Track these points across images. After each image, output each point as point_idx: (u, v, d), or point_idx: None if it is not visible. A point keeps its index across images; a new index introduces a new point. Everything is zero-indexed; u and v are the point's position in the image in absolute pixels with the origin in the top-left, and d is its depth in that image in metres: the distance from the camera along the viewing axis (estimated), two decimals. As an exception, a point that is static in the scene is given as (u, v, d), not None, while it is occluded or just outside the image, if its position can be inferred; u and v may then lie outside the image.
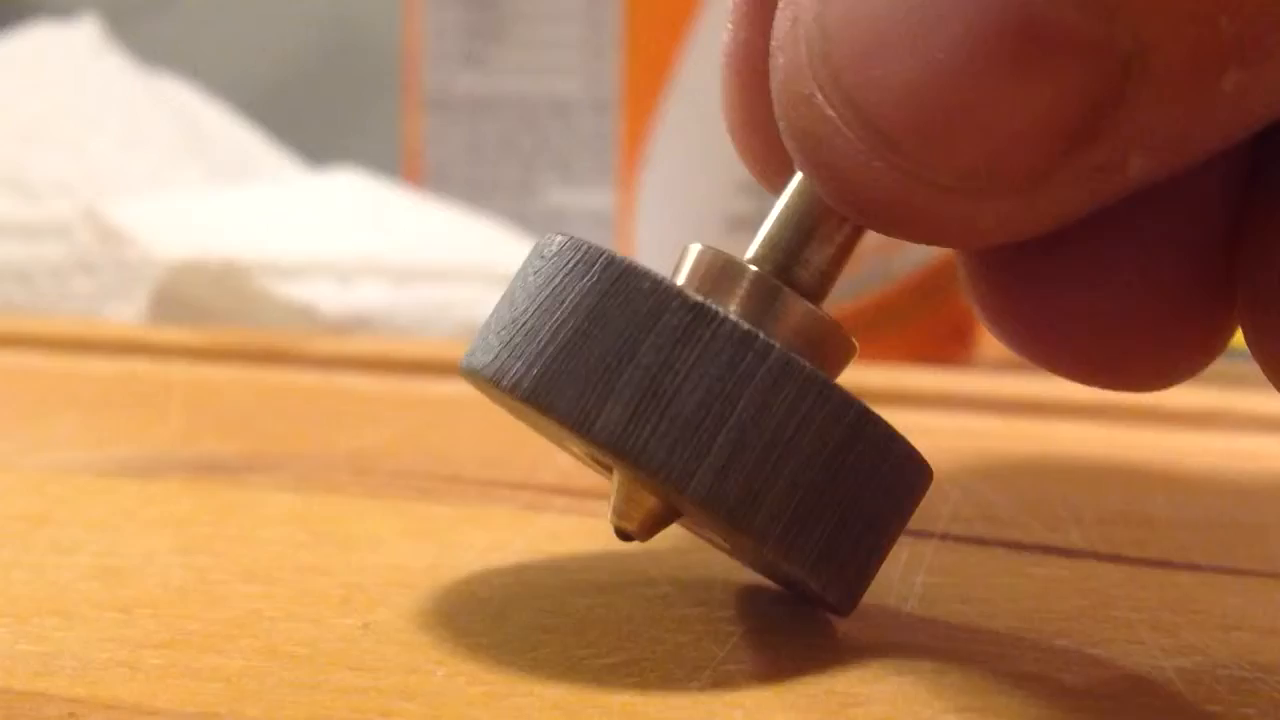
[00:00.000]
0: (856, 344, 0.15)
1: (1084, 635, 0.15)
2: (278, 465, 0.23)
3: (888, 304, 0.44)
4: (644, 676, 0.14)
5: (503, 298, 0.15)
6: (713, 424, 0.13)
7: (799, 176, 0.15)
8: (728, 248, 0.15)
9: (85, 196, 0.45)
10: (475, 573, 0.17)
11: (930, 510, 0.20)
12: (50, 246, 0.45)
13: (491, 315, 0.15)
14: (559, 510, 0.20)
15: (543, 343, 0.14)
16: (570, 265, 0.14)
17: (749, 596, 0.16)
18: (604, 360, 0.13)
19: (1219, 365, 0.35)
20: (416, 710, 0.13)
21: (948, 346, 0.42)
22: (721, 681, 0.14)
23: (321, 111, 0.98)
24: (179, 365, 0.34)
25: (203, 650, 0.14)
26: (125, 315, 0.41)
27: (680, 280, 0.15)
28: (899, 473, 0.14)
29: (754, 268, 0.15)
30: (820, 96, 0.12)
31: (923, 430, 0.26)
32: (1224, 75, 0.10)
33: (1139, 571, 0.18)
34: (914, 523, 0.19)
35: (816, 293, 0.15)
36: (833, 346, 0.15)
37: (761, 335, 0.13)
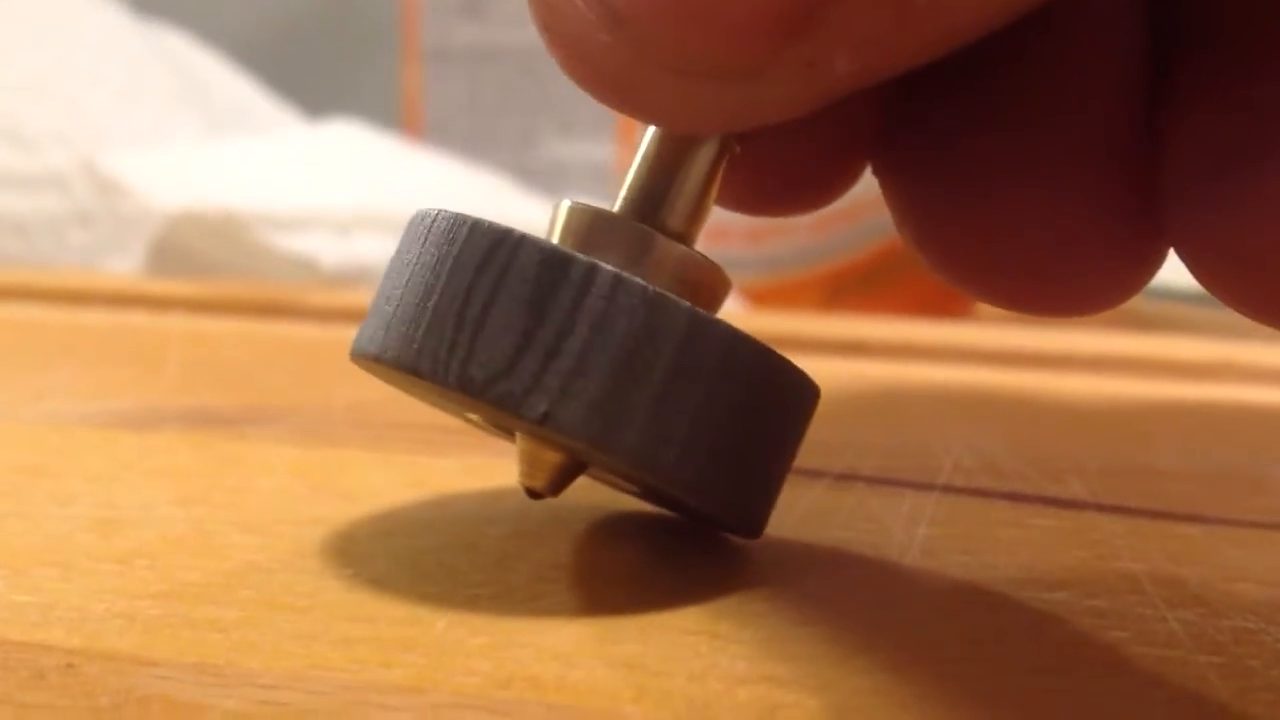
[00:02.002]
0: (730, 281, 0.15)
1: (1086, 586, 0.15)
2: (276, 417, 0.22)
3: (889, 257, 0.43)
4: (645, 628, 0.14)
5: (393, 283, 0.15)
6: (605, 373, 0.13)
7: (646, 140, 0.15)
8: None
9: (83, 148, 0.45)
10: (475, 525, 0.17)
11: (932, 462, 0.20)
12: (47, 198, 0.44)
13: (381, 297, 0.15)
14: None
15: (420, 314, 0.14)
16: (443, 239, 0.14)
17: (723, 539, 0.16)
18: (506, 324, 0.14)
19: (1220, 316, 0.35)
20: (417, 661, 0.13)
21: (949, 299, 0.42)
22: (719, 628, 0.14)
23: (320, 63, 0.97)
24: (177, 317, 0.34)
25: (201, 601, 0.14)
26: (123, 267, 0.41)
27: (555, 238, 0.15)
28: (790, 396, 0.15)
29: (621, 220, 0.15)
30: None
31: (924, 383, 0.26)
32: None
33: (1141, 523, 0.18)
34: (915, 474, 0.19)
35: (686, 233, 0.15)
36: (709, 285, 0.15)
37: (638, 280, 0.13)
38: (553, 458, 0.15)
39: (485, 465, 0.20)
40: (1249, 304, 0.14)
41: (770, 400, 0.14)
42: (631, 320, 0.13)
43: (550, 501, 0.16)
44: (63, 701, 0.12)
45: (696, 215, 0.15)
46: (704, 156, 0.15)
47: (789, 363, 0.14)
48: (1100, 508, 0.18)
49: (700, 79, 0.12)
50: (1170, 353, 0.28)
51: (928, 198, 0.15)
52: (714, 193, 0.15)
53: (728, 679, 0.13)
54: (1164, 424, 0.24)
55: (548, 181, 0.54)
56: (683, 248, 0.15)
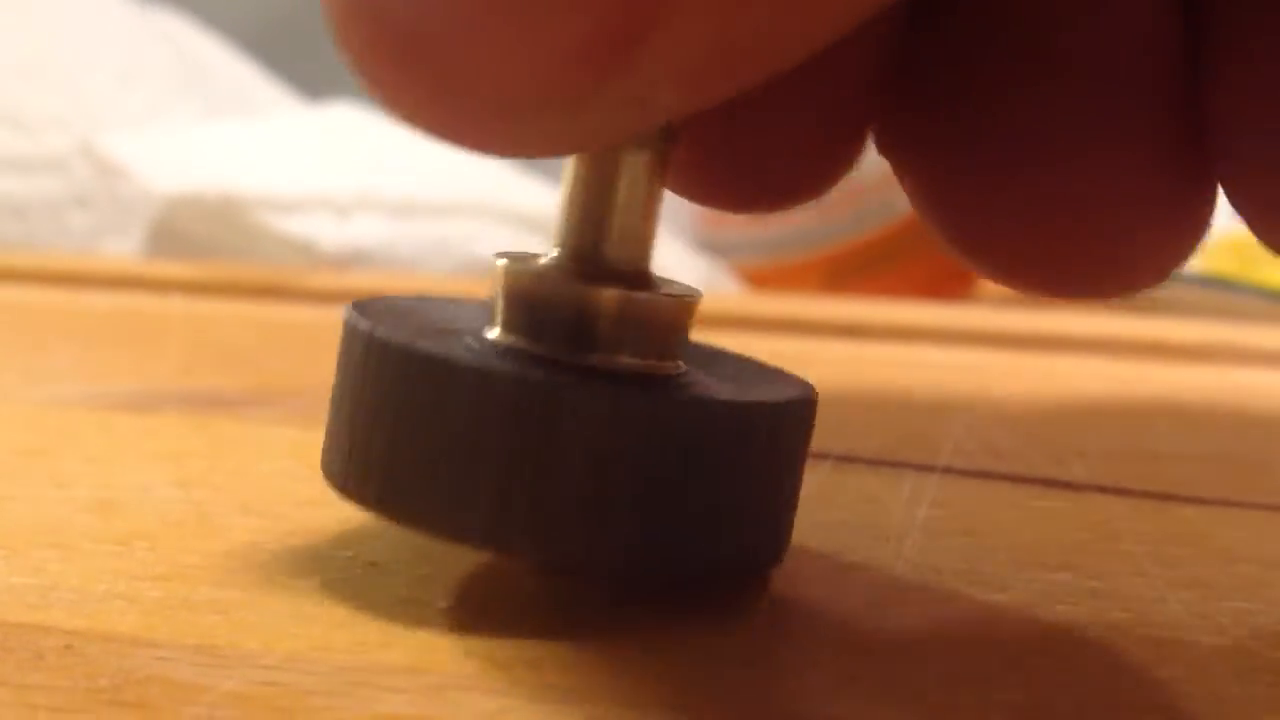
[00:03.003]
0: (694, 293, 0.14)
1: (1087, 568, 0.15)
2: (276, 400, 0.22)
3: (890, 240, 0.43)
4: (648, 609, 0.14)
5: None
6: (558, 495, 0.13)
7: (572, 160, 0.14)
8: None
9: (82, 131, 0.45)
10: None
11: (933, 444, 0.20)
12: (47, 181, 0.44)
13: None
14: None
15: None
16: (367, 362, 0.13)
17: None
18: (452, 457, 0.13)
19: (1222, 299, 0.35)
20: (417, 642, 0.13)
21: (950, 281, 0.42)
22: (721, 608, 0.14)
23: (320, 45, 0.97)
24: (176, 300, 0.34)
25: (201, 583, 0.14)
26: (122, 250, 0.41)
27: (497, 317, 0.14)
28: (741, 440, 0.13)
29: (558, 272, 0.14)
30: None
31: (925, 365, 0.26)
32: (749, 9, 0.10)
33: (1142, 504, 0.18)
34: (917, 456, 0.19)
35: (634, 258, 0.14)
36: (664, 319, 0.14)
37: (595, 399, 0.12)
38: None
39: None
40: None
41: (731, 457, 0.13)
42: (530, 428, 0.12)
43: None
44: (62, 683, 0.12)
45: (642, 234, 0.14)
46: (634, 167, 0.14)
47: (737, 406, 0.13)
48: (1101, 489, 0.18)
49: (514, 116, 0.11)
50: (1172, 335, 0.28)
51: (948, 174, 0.14)
52: (657, 202, 0.14)
53: (731, 660, 0.13)
54: (1165, 406, 0.24)
55: (547, 163, 0.54)
56: (618, 292, 0.13)
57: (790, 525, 0.14)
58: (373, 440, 0.13)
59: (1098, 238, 0.14)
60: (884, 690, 0.12)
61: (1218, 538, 0.16)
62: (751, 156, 0.14)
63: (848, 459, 0.19)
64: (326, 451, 0.14)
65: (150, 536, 0.15)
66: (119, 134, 0.44)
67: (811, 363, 0.24)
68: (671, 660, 0.13)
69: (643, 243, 0.14)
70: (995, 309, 0.37)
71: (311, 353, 0.28)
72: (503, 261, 0.14)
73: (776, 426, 0.14)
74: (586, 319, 0.13)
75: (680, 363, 0.14)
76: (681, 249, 0.43)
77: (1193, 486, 0.18)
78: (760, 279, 0.44)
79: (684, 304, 0.14)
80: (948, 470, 0.19)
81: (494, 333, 0.14)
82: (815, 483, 0.18)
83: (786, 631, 0.13)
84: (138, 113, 0.48)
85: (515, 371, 0.13)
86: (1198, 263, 0.41)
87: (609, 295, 0.13)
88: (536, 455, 0.12)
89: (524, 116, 0.11)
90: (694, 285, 0.15)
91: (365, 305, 0.14)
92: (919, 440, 0.20)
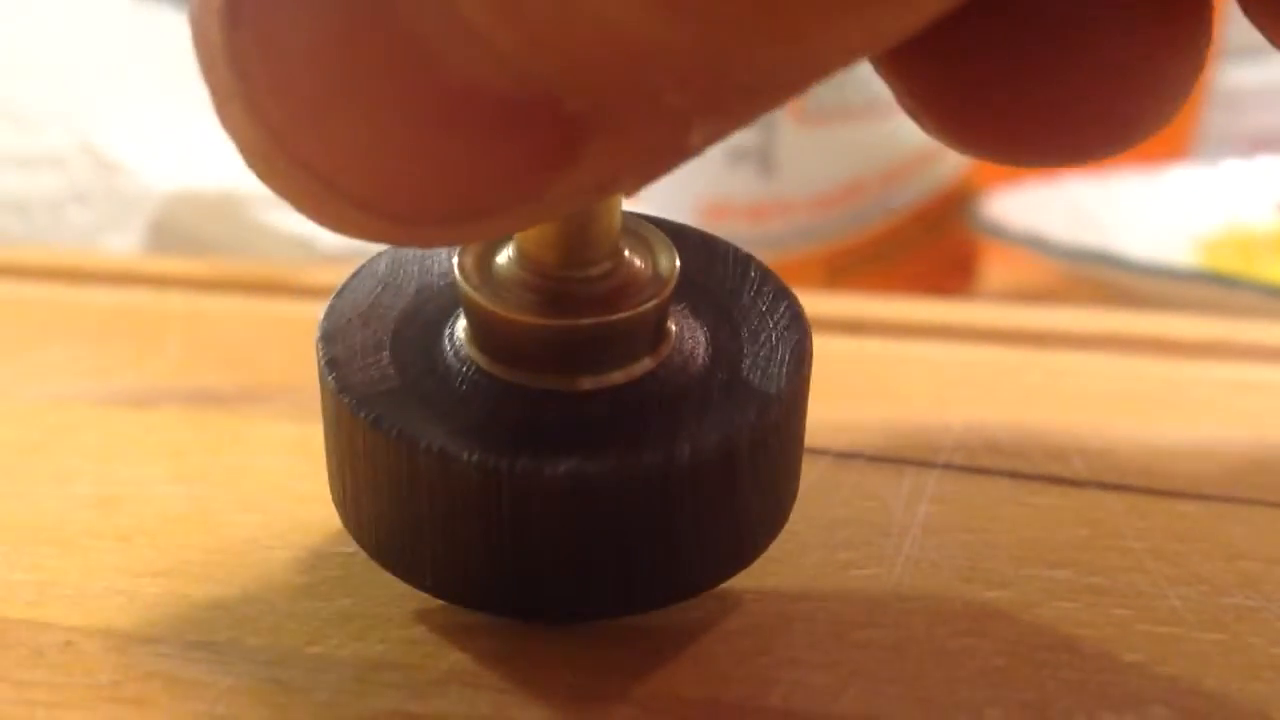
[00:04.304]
0: (666, 268, 0.13)
1: (1087, 564, 0.15)
2: (275, 396, 0.22)
3: (889, 236, 0.43)
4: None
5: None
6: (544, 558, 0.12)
7: None
8: (728, 180, 0.14)
9: (81, 127, 0.45)
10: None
11: (933, 440, 0.20)
12: (46, 177, 0.44)
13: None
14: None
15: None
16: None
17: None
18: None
19: (1223, 295, 0.35)
20: (418, 635, 0.13)
21: (949, 277, 0.42)
22: (724, 604, 0.14)
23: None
24: (176, 296, 0.34)
25: (201, 579, 0.14)
26: (122, 246, 0.41)
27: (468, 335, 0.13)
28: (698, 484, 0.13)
29: (520, 296, 0.13)
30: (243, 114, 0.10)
31: (926, 361, 0.26)
32: (689, 133, 0.10)
33: (1143, 501, 0.18)
34: (917, 452, 0.19)
35: (608, 278, 0.13)
36: (632, 335, 0.13)
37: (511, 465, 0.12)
38: None
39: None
40: None
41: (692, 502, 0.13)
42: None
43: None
44: (62, 679, 0.12)
45: (604, 241, 0.13)
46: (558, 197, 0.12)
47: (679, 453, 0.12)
48: (1102, 485, 0.18)
49: (458, 223, 0.10)
50: (1172, 331, 0.28)
51: (934, 44, 0.13)
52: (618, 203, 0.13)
53: (734, 655, 0.13)
54: (1166, 402, 0.24)
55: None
56: (587, 323, 0.13)
57: (791, 500, 0.14)
58: (361, 503, 0.13)
59: (1095, 89, 0.13)
60: (883, 688, 0.12)
61: (1218, 534, 0.16)
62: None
63: (848, 455, 0.19)
64: (332, 482, 0.14)
65: (150, 532, 0.15)
66: (118, 130, 0.44)
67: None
68: (670, 658, 0.13)
69: (604, 245, 0.13)
70: (996, 305, 0.37)
71: (310, 349, 0.28)
72: (463, 286, 0.13)
73: (754, 455, 0.13)
74: (554, 347, 0.13)
75: (652, 354, 0.13)
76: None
77: (1193, 483, 0.18)
78: (760, 275, 0.43)
79: (646, 314, 0.13)
80: (948, 466, 0.19)
81: (467, 349, 0.13)
82: (815, 478, 0.18)
83: (786, 628, 0.13)
84: (137, 108, 0.48)
85: (479, 461, 0.12)
86: (1199, 259, 0.41)
87: (576, 326, 0.13)
88: (512, 531, 0.12)
89: (465, 224, 0.10)
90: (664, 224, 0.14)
91: (332, 335, 0.14)
92: (919, 436, 0.20)
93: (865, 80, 0.30)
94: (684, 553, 0.13)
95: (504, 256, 0.13)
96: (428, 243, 0.11)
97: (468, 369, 0.13)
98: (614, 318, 0.13)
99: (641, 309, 0.13)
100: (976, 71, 0.13)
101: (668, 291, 0.13)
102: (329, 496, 0.14)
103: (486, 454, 0.12)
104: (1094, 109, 0.13)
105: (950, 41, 0.13)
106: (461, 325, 0.13)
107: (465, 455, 0.12)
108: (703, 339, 0.14)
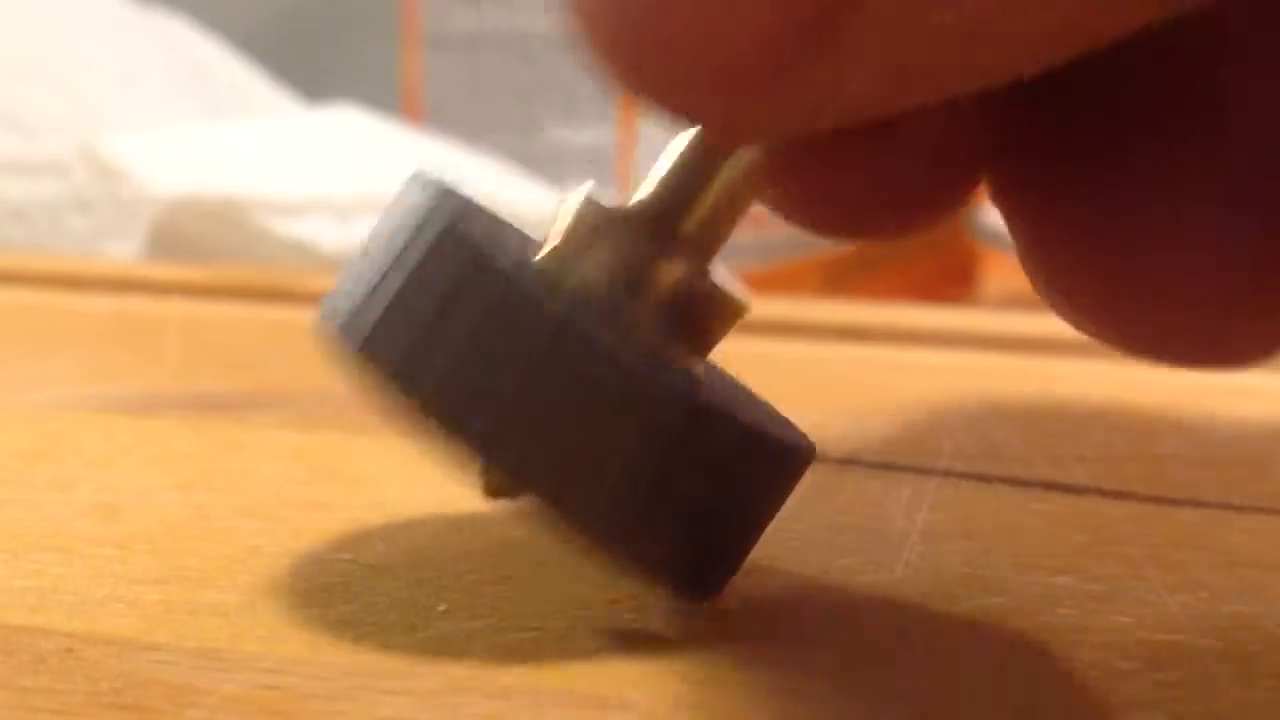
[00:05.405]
0: (744, 302, 0.14)
1: (1087, 571, 0.15)
2: (276, 402, 0.22)
3: (889, 243, 0.43)
4: (645, 610, 0.14)
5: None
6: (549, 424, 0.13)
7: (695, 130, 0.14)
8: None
9: (82, 133, 0.45)
10: (476, 511, 0.17)
11: (933, 446, 0.20)
12: (47, 184, 0.44)
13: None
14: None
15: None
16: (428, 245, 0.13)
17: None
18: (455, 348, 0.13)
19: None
20: (416, 645, 0.13)
21: (949, 284, 0.42)
22: (721, 611, 0.14)
23: (320, 48, 0.97)
24: (176, 302, 0.34)
25: (201, 586, 0.14)
26: (122, 252, 0.41)
27: (554, 240, 0.14)
28: (752, 459, 0.13)
29: (630, 224, 0.14)
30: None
31: (925, 368, 0.26)
32: (930, 13, 0.10)
33: (1143, 508, 0.18)
34: (916, 459, 0.19)
35: (703, 244, 0.14)
36: (707, 312, 0.14)
37: (604, 340, 0.12)
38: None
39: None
40: None
41: (736, 472, 0.13)
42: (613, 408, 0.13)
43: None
44: (63, 686, 0.12)
45: (717, 223, 0.14)
46: (738, 164, 0.14)
47: (764, 435, 0.13)
48: (1102, 492, 0.18)
49: (713, 92, 0.11)
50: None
51: (1058, 229, 0.13)
52: (743, 202, 0.14)
53: (730, 659, 0.13)
54: (1166, 409, 0.24)
55: (548, 166, 0.54)
56: (681, 269, 0.14)
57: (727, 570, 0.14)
58: (436, 344, 0.13)
59: (1203, 311, 0.13)
60: (885, 693, 0.12)
61: (1218, 541, 0.16)
62: (859, 186, 0.14)
63: (847, 461, 0.19)
64: (348, 297, 0.14)
65: (151, 539, 0.15)
66: (119, 136, 0.44)
67: (811, 365, 0.24)
68: (670, 662, 0.13)
69: (715, 228, 0.14)
70: (995, 311, 0.37)
71: (312, 355, 0.28)
72: (580, 194, 0.14)
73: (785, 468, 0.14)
74: (645, 283, 0.13)
75: (704, 361, 0.14)
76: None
77: (1193, 490, 0.18)
78: (760, 281, 0.44)
79: (737, 306, 0.14)
80: (948, 473, 0.19)
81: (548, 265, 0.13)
82: (815, 485, 0.18)
83: (787, 634, 0.13)
84: (138, 115, 0.48)
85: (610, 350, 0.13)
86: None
87: (675, 268, 0.13)
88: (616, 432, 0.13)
89: (750, 89, 0.11)
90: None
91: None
92: (919, 443, 0.20)
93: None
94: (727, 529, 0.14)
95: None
96: (705, 110, 0.12)
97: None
98: (704, 280, 0.14)
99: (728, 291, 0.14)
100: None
101: (745, 306, 0.14)
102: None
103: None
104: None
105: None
106: None
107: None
108: None
